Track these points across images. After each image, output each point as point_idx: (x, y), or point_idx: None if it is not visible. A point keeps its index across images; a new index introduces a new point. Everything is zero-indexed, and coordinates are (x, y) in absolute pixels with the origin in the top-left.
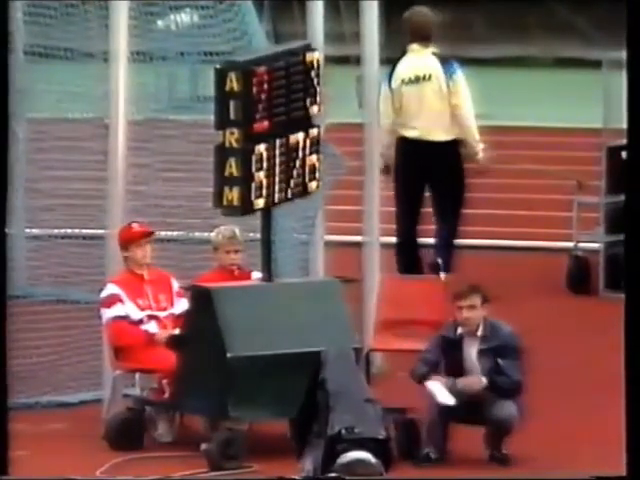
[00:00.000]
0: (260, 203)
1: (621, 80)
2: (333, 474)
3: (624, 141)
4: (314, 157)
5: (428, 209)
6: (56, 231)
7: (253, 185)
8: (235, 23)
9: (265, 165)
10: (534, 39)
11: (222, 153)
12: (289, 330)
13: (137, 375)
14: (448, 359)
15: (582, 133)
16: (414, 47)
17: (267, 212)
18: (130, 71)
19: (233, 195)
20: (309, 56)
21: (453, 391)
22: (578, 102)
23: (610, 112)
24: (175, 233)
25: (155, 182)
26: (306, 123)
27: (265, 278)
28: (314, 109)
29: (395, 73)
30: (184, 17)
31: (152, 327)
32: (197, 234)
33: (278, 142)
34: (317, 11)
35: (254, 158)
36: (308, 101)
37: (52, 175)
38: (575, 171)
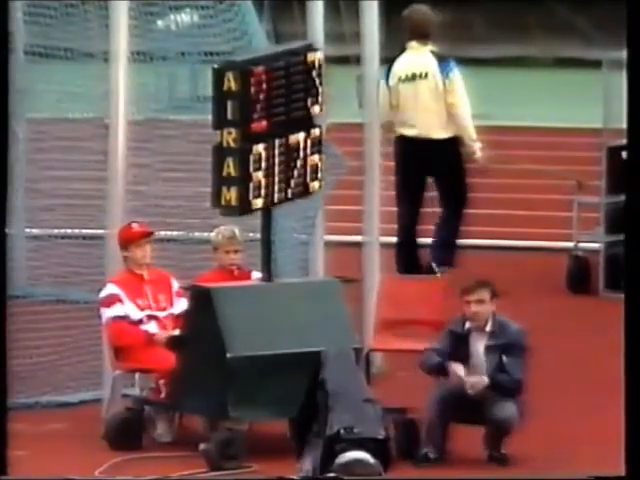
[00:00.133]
0: (258, 203)
1: (621, 80)
2: (332, 474)
3: (624, 141)
4: (316, 157)
5: (428, 209)
6: (56, 231)
7: (251, 185)
8: (235, 23)
9: (264, 165)
10: (534, 39)
11: (220, 153)
12: (289, 330)
13: (137, 375)
14: (455, 353)
15: (582, 133)
16: (412, 45)
17: (267, 212)
18: (130, 71)
19: (231, 195)
20: (311, 56)
21: (456, 391)
22: (578, 102)
23: (610, 112)
24: (175, 233)
25: (155, 182)
26: (307, 123)
27: (265, 278)
28: (316, 109)
29: (392, 71)
30: (184, 17)
31: (152, 327)
32: (197, 234)
33: (277, 142)
34: (317, 11)
35: (252, 158)
36: (309, 101)
37: (52, 175)
38: (575, 171)
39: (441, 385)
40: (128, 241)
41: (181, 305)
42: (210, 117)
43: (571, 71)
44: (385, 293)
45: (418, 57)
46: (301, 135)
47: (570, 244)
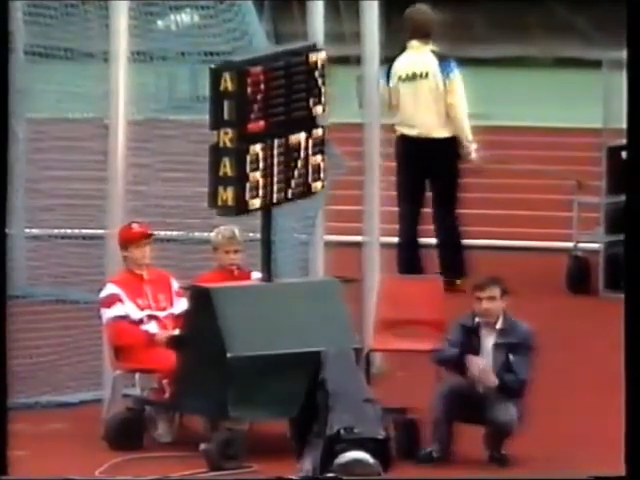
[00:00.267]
0: (256, 203)
1: (621, 80)
2: (332, 474)
3: (624, 141)
4: (318, 157)
5: (428, 209)
6: (56, 231)
7: (248, 185)
8: (235, 23)
9: (261, 165)
10: (534, 39)
11: (216, 153)
12: (289, 330)
13: (137, 375)
14: (467, 347)
15: (582, 133)
16: (413, 44)
17: (267, 212)
18: (130, 71)
19: (227, 195)
20: (313, 56)
21: (459, 389)
22: (578, 102)
23: (610, 112)
24: (175, 233)
25: (155, 182)
26: (309, 123)
27: (265, 278)
28: (318, 109)
29: (392, 70)
30: (184, 17)
31: (152, 327)
32: (197, 234)
33: (277, 142)
34: (317, 11)
35: (249, 158)
36: (311, 101)
37: (52, 175)
38: (575, 171)
39: (444, 382)
40: (128, 241)
41: (181, 305)
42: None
43: (571, 71)
44: (385, 293)
45: (419, 56)
46: (302, 135)
47: (570, 244)
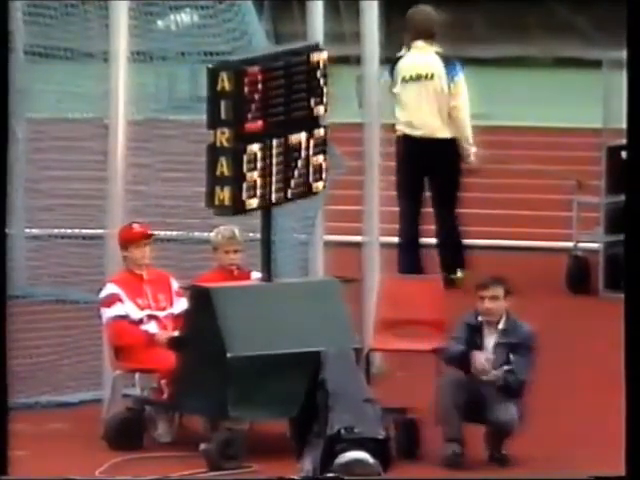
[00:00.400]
0: (253, 203)
1: (621, 80)
2: (332, 474)
3: (624, 141)
4: (320, 157)
5: (429, 209)
6: (56, 231)
7: (245, 185)
8: (235, 23)
9: (259, 165)
10: (534, 39)
11: (213, 153)
12: (289, 330)
13: (137, 375)
14: (469, 345)
15: (582, 133)
16: (418, 44)
17: (267, 212)
18: (130, 71)
19: (224, 195)
20: (315, 56)
21: (463, 382)
22: (578, 102)
23: (610, 112)
24: (175, 233)
25: (155, 182)
26: (310, 123)
27: (265, 278)
28: (320, 109)
29: (397, 70)
30: (184, 17)
31: (152, 327)
32: (197, 234)
33: (275, 142)
34: (317, 11)
35: (246, 158)
36: (313, 101)
37: (52, 175)
38: (575, 171)
39: (444, 377)
40: (128, 241)
41: (181, 305)
42: None
43: (571, 71)
44: (385, 293)
45: (423, 57)
46: (303, 135)
47: (570, 244)
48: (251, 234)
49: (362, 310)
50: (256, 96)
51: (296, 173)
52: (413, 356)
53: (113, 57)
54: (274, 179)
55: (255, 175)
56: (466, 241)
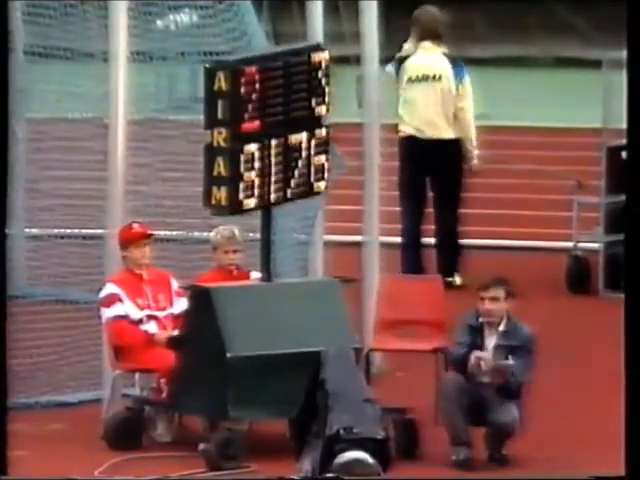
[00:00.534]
0: (251, 203)
1: (621, 80)
2: (331, 474)
3: (624, 141)
4: (322, 157)
5: (429, 209)
6: (56, 231)
7: (242, 185)
8: (234, 23)
9: (257, 165)
10: (534, 39)
11: (210, 153)
12: (288, 330)
13: (137, 375)
14: (472, 346)
15: (582, 133)
16: (426, 45)
17: (267, 212)
18: (130, 71)
19: (221, 195)
20: (316, 56)
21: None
22: (578, 102)
23: (610, 112)
24: (175, 233)
25: (155, 182)
26: (311, 123)
27: (264, 278)
28: (321, 109)
29: (403, 69)
30: (184, 17)
31: (151, 327)
32: (196, 234)
33: (274, 142)
34: (317, 11)
35: (243, 158)
36: (314, 101)
37: (52, 175)
38: (575, 171)
39: (444, 381)
40: (128, 241)
41: (181, 305)
42: None
43: (571, 71)
44: (385, 293)
45: (431, 58)
46: (303, 135)
47: (570, 244)
48: (251, 234)
49: (362, 310)
50: (253, 96)
51: (296, 173)
52: (413, 356)
53: (113, 57)
54: (273, 179)
55: (253, 175)
56: (466, 241)
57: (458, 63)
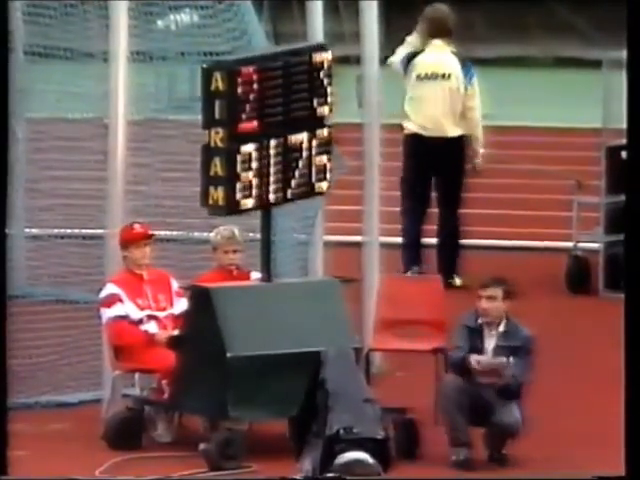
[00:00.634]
0: (248, 203)
1: (621, 80)
2: (331, 474)
3: (624, 141)
4: (324, 157)
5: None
6: (55, 231)
7: (239, 185)
8: (234, 23)
9: (255, 165)
10: (534, 39)
11: (207, 153)
12: (288, 330)
13: (137, 375)
14: (471, 348)
15: (582, 133)
16: (436, 43)
17: (267, 212)
18: (130, 71)
19: (218, 195)
20: (318, 56)
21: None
22: (578, 102)
23: (610, 112)
24: (175, 233)
25: (155, 182)
26: (312, 123)
27: (264, 278)
28: (324, 110)
29: (412, 66)
30: (184, 17)
31: (152, 327)
32: (196, 234)
33: (274, 142)
34: (317, 11)
35: (240, 158)
36: (316, 101)
37: (52, 175)
38: (575, 171)
39: (444, 383)
40: (128, 241)
41: (181, 305)
42: None
43: (571, 71)
44: (385, 293)
45: (440, 56)
46: (304, 135)
47: (570, 244)
48: (251, 234)
49: (362, 310)
50: (251, 96)
51: (297, 173)
52: (413, 356)
53: (113, 57)
54: (272, 179)
55: (250, 175)
56: (466, 241)
57: (466, 63)
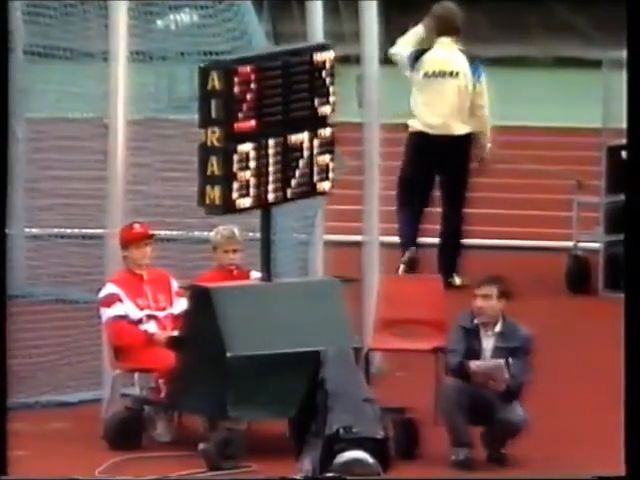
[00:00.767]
0: (246, 203)
1: (621, 80)
2: (331, 474)
3: (624, 141)
4: (326, 157)
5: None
6: (55, 231)
7: (235, 184)
8: (234, 23)
9: (253, 164)
10: (534, 39)
11: (204, 152)
12: (288, 330)
13: (136, 375)
14: (468, 350)
15: (582, 133)
16: (444, 41)
17: (266, 212)
18: (130, 71)
19: (214, 194)
20: (320, 56)
21: (465, 387)
22: (578, 102)
23: (610, 112)
24: (175, 233)
25: (155, 182)
26: (313, 123)
27: (264, 278)
28: (325, 109)
29: (419, 63)
30: (184, 17)
31: (151, 327)
32: (196, 233)
33: (272, 141)
34: (317, 11)
35: (237, 157)
36: (317, 101)
37: (51, 175)
38: (575, 171)
39: (445, 384)
40: (128, 241)
41: (181, 305)
42: None
43: (571, 71)
44: (385, 292)
45: (449, 54)
46: (305, 135)
47: (570, 244)
48: (251, 234)
49: (362, 310)
50: (248, 95)
51: (297, 173)
52: (412, 356)
53: (113, 57)
54: (271, 179)
55: (248, 174)
56: (466, 241)
57: (474, 61)
